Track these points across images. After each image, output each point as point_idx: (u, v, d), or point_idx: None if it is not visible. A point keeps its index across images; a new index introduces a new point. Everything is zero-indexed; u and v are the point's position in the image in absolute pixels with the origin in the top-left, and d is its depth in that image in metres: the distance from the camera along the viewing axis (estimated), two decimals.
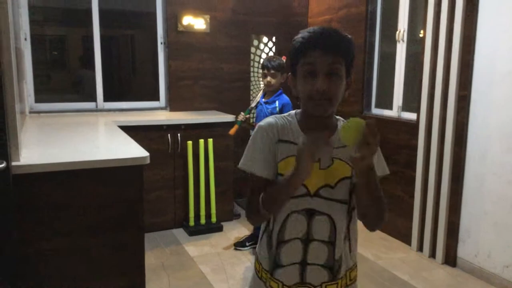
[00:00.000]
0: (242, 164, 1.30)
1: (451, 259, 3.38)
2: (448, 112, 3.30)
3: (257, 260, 1.39)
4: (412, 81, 3.81)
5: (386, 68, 4.14)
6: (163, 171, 3.93)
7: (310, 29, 1.23)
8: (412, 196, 3.66)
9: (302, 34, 1.23)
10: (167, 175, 3.96)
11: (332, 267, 1.30)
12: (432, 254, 3.51)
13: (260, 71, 4.68)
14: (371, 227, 1.32)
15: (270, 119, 1.32)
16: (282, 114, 1.35)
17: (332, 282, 1.31)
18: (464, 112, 3.22)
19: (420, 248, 3.62)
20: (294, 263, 1.29)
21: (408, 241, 3.73)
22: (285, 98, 3.42)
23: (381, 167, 1.33)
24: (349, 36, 1.24)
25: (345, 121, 1.19)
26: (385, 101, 4.12)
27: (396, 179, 3.87)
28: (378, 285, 3.09)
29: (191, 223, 4.01)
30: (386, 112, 4.08)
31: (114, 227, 2.16)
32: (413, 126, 3.64)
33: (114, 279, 2.18)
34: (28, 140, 2.61)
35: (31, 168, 1.97)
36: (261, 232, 1.38)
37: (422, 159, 3.53)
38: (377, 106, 4.24)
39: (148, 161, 2.19)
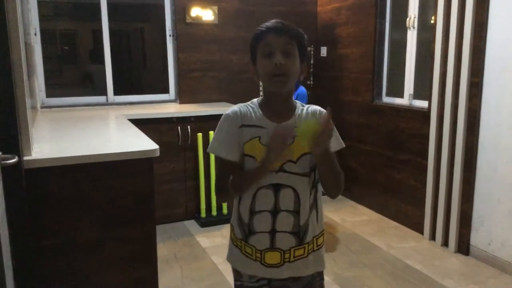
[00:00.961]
0: (210, 148, 1.48)
1: (464, 247, 3.35)
2: (460, 100, 3.25)
3: (232, 231, 1.58)
4: (423, 69, 3.76)
5: (397, 56, 4.09)
6: (173, 164, 3.95)
7: (267, 22, 1.45)
8: (424, 185, 3.63)
9: (261, 26, 1.45)
10: (178, 167, 3.98)
11: (298, 233, 1.47)
12: (445, 243, 3.49)
13: None
14: (330, 195, 1.48)
15: (234, 108, 1.50)
16: (246, 102, 1.53)
17: (299, 247, 1.48)
18: (477, 99, 3.17)
19: (433, 237, 3.60)
20: (264, 232, 1.46)
21: (420, 230, 3.71)
22: (301, 88, 3.48)
23: (336, 142, 1.47)
24: (301, 30, 1.45)
25: (302, 104, 1.50)
26: (396, 89, 4.08)
27: (408, 168, 3.84)
28: (391, 274, 3.08)
29: (203, 214, 4.03)
30: (397, 100, 4.04)
31: (126, 220, 2.17)
32: (424, 114, 3.61)
33: (127, 271, 2.20)
34: (40, 134, 2.63)
35: (42, 162, 1.98)
36: (234, 206, 1.55)
37: (434, 147, 3.50)
38: (388, 94, 4.20)
39: (158, 154, 2.20)
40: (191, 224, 4.00)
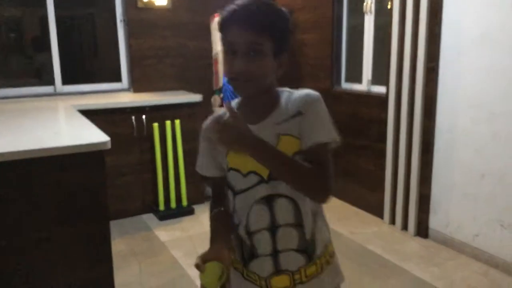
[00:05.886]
0: (196, 166, 1.34)
1: (423, 230, 3.41)
2: (417, 84, 3.27)
3: (232, 253, 1.34)
4: (381, 54, 3.76)
5: (355, 42, 4.08)
6: (129, 156, 3.79)
7: (238, 1, 1.12)
8: (383, 170, 3.66)
9: (227, 8, 1.14)
10: (133, 159, 3.83)
11: (306, 250, 1.25)
12: (404, 227, 3.54)
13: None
14: (312, 199, 1.24)
15: (210, 117, 1.25)
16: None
17: (311, 264, 1.26)
18: (433, 84, 3.20)
19: (393, 221, 3.64)
20: (265, 255, 1.24)
21: (380, 215, 3.75)
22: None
23: (323, 131, 1.24)
24: (282, 9, 1.15)
25: (291, 91, 1.23)
26: (355, 75, 4.08)
27: (367, 153, 3.86)
28: (352, 260, 3.09)
29: (161, 207, 3.90)
30: (356, 86, 4.03)
31: (77, 216, 2.05)
32: (382, 100, 3.61)
33: (80, 271, 2.08)
34: None
35: None
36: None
37: (392, 132, 3.52)
38: (347, 80, 4.19)
39: (109, 146, 2.08)
40: (149, 218, 3.87)
